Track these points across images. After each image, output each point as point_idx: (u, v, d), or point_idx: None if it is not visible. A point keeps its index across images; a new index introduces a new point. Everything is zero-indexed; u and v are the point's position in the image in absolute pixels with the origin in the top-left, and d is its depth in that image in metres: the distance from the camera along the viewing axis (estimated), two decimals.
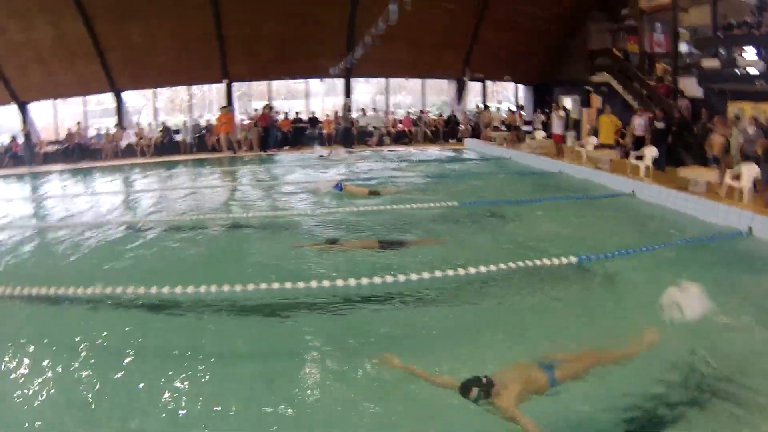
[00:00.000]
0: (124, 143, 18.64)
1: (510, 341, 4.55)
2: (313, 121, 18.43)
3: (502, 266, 6.07)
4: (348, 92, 18.62)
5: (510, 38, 18.13)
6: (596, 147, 13.67)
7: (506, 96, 22.02)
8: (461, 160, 15.63)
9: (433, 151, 17.04)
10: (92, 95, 19.83)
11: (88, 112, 20.78)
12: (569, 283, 5.85)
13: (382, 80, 19.64)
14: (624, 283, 5.77)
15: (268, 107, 17.79)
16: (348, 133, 17.55)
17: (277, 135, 17.67)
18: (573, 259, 6.31)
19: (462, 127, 18.43)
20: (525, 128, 18.35)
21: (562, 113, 15.69)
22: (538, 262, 6.22)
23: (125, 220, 9.29)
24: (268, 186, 12.32)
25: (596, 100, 17.37)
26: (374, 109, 19.43)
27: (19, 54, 17.72)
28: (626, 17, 17.90)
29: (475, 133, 18.32)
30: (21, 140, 19.03)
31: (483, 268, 6.01)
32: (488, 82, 20.48)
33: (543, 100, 19.18)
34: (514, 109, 19.66)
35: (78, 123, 18.82)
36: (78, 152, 18.42)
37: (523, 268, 6.10)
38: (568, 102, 18.64)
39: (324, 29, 17.65)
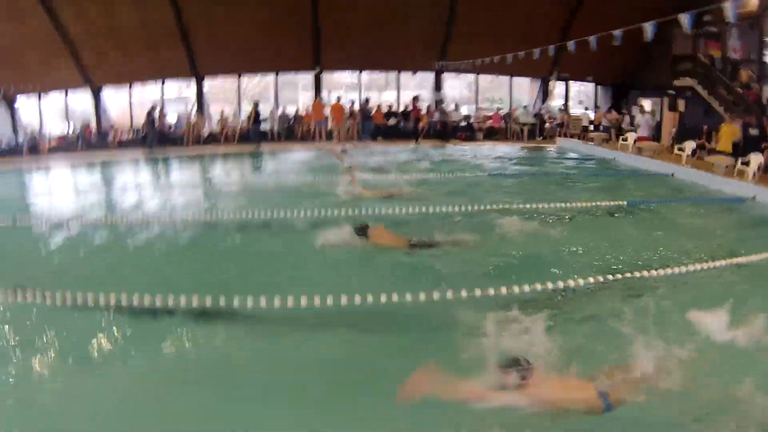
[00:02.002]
0: (205, 131, 18.31)
1: None
2: (406, 114, 18.48)
3: None
4: (438, 87, 18.73)
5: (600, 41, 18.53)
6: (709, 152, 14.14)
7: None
8: (572, 159, 15.99)
9: (531, 149, 17.37)
10: (171, 80, 19.33)
11: (157, 101, 20.24)
12: None
13: (470, 77, 19.81)
14: None
15: (366, 100, 17.76)
16: (444, 128, 17.71)
17: (372, 127, 17.68)
18: None
19: (547, 125, 18.82)
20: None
21: (649, 116, 16.25)
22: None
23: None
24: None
25: (680, 104, 18.04)
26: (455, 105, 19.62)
27: (97, 38, 17.14)
28: (709, 23, 18.59)
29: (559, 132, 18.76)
30: (94, 126, 18.56)
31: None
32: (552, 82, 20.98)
33: (619, 102, 19.77)
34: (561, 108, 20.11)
35: (160, 109, 18.30)
36: (152, 140, 17.98)
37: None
38: (646, 104, 19.29)
39: (420, 21, 17.68)
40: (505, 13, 17.35)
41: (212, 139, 18.20)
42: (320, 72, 18.39)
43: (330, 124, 17.71)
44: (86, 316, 4.98)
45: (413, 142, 17.23)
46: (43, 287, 5.28)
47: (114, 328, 4.75)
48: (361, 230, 6.74)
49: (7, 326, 4.83)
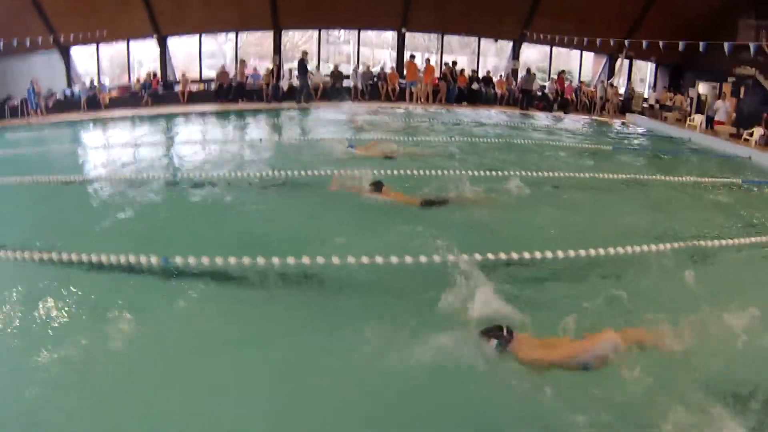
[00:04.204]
0: (285, 85, 18.11)
1: None
2: (487, 80, 18.83)
3: None
4: (516, 55, 19.11)
5: (668, 23, 19.30)
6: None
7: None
8: (653, 136, 16.79)
9: (608, 123, 18.11)
10: (255, 31, 18.88)
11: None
12: None
13: (545, 49, 20.24)
14: None
15: (453, 62, 17.97)
16: (528, 96, 18.19)
17: (456, 90, 17.98)
18: None
19: (614, 101, 19.60)
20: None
21: (729, 102, 17.23)
22: None
23: None
24: None
25: (741, 92, 19.14)
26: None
27: None
28: None
29: (625, 108, 19.58)
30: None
31: None
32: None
33: (675, 83, 20.75)
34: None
35: (242, 61, 17.93)
36: (234, 92, 17.70)
37: None
38: (702, 88, 20.34)
39: None
40: None
41: (291, 95, 18.01)
42: (404, 32, 18.40)
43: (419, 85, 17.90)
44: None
45: (561, 113, 17.82)
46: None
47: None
48: (376, 186, 7.08)
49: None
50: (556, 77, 19.43)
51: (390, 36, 21.15)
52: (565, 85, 18.73)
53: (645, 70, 22.35)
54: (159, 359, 3.81)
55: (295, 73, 17.43)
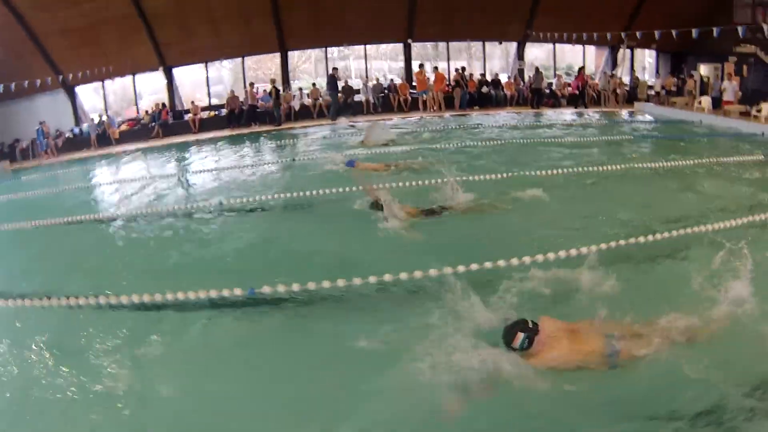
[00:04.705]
0: (296, 105, 18.15)
1: None
2: (496, 83, 18.96)
3: None
4: (521, 56, 19.28)
5: (666, 10, 19.56)
6: None
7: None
8: (666, 122, 16.97)
9: (618, 114, 18.30)
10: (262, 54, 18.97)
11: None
12: None
13: (548, 46, 20.44)
14: None
15: (462, 68, 18.10)
16: (538, 95, 18.33)
17: (467, 95, 18.09)
18: None
19: (619, 92, 19.80)
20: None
21: (735, 82, 17.49)
22: None
23: None
24: None
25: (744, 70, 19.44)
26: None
27: (179, 14, 16.50)
28: None
29: (631, 97, 19.78)
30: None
31: None
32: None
33: (678, 68, 21.01)
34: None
35: (251, 84, 17.94)
36: (246, 116, 17.70)
37: None
38: (703, 70, 20.63)
39: None
40: None
41: (304, 113, 18.03)
42: (410, 43, 18.52)
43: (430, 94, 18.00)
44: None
45: (581, 106, 18.09)
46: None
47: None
48: (376, 204, 6.88)
49: None
50: (576, 73, 19.60)
51: (387, 47, 21.35)
52: (589, 81, 18.93)
53: (645, 58, 22.63)
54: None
55: (325, 89, 17.53)
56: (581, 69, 19.41)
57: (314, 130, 16.42)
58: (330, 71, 17.36)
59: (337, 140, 14.33)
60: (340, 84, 17.71)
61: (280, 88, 17.94)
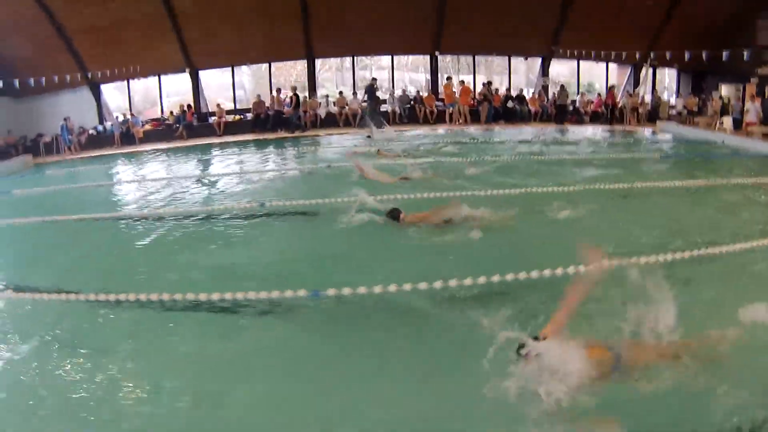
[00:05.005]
0: (322, 112, 18.19)
1: None
2: (521, 98, 19.05)
3: None
4: (546, 72, 19.39)
5: (689, 30, 19.72)
6: None
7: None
8: (691, 142, 17.03)
9: (637, 132, 18.41)
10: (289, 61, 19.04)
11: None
12: None
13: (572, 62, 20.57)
14: None
15: (489, 82, 18.19)
16: (562, 111, 18.42)
17: (492, 109, 18.16)
18: None
19: (641, 110, 19.90)
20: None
21: (758, 103, 17.60)
22: None
23: None
24: None
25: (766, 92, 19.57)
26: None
27: (206, 16, 16.57)
28: None
29: (652, 116, 19.88)
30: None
31: None
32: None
33: (699, 87, 21.17)
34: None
35: (278, 90, 17.99)
36: (272, 122, 17.75)
37: None
38: (724, 90, 20.78)
39: (535, 8, 18.19)
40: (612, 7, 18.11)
41: (330, 121, 18.08)
42: (437, 56, 18.63)
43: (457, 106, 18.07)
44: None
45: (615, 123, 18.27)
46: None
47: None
48: (393, 215, 6.83)
49: None
50: (605, 91, 19.80)
51: (407, 58, 21.44)
52: (615, 99, 19.07)
53: (665, 77, 22.78)
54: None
55: (364, 97, 17.60)
56: (611, 87, 19.54)
57: (337, 139, 16.46)
58: (369, 81, 17.43)
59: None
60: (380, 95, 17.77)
61: (300, 95, 17.97)
